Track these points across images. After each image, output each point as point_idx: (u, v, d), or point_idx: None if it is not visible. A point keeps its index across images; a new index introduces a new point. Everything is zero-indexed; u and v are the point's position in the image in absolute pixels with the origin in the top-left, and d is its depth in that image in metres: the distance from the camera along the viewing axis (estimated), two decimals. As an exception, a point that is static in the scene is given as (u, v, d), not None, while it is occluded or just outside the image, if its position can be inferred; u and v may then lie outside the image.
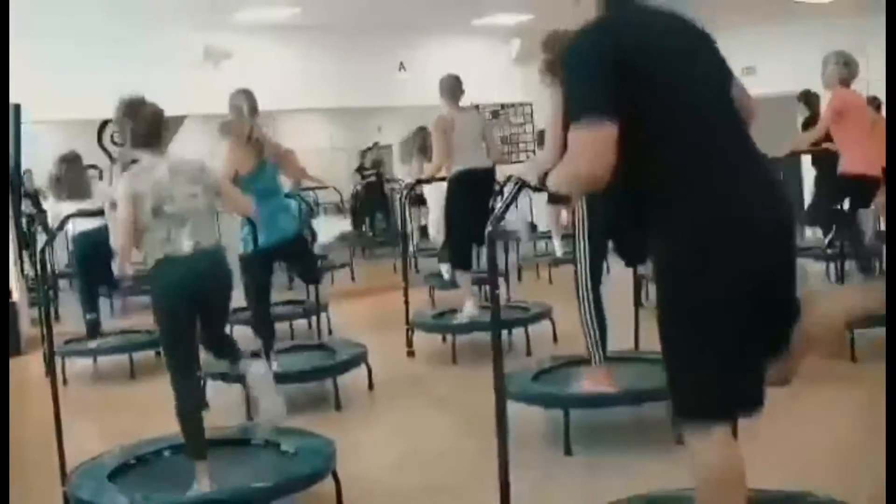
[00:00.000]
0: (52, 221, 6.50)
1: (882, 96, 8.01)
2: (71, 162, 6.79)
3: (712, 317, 2.27)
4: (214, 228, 3.75)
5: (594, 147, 2.20)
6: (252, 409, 4.49)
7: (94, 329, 6.95)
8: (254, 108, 5.30)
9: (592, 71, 2.24)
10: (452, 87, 6.40)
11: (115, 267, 4.01)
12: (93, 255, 6.72)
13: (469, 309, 6.47)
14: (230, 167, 5.14)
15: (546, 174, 2.49)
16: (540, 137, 9.54)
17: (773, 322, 2.40)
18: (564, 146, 2.37)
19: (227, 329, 4.01)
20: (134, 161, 3.75)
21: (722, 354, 2.28)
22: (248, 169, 5.17)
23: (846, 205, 6.13)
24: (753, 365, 2.34)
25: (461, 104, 6.44)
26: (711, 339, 2.28)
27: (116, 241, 3.65)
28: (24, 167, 11.46)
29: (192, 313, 3.59)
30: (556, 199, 7.92)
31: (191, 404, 3.60)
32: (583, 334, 4.37)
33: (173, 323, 3.58)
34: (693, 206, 2.27)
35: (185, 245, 3.53)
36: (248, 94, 5.33)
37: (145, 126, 3.60)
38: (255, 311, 5.41)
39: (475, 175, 6.26)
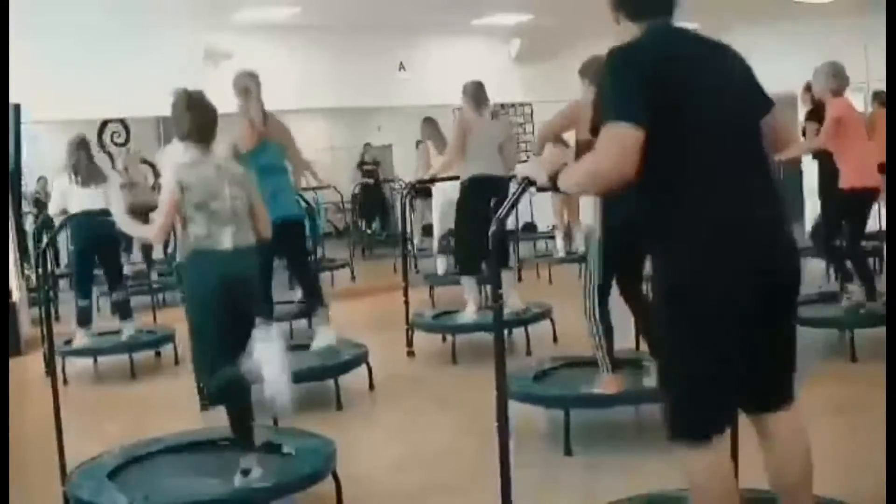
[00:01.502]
0: (67, 203, 6.44)
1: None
2: (83, 147, 6.72)
3: (689, 345, 2.38)
4: (252, 232, 3.77)
5: (620, 146, 2.29)
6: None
7: (85, 317, 6.85)
8: (258, 89, 5.36)
9: (629, 80, 2.36)
10: (476, 93, 6.38)
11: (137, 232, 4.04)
12: (90, 244, 6.73)
13: (470, 312, 6.46)
14: (232, 147, 5.18)
15: (557, 174, 2.55)
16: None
17: (756, 359, 2.46)
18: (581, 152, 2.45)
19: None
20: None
21: (699, 378, 2.39)
22: (249, 146, 5.21)
23: (848, 222, 6.10)
24: (729, 389, 2.43)
25: (483, 108, 6.42)
26: (688, 363, 2.39)
27: (152, 229, 3.78)
28: (38, 174, 11.53)
29: (223, 306, 3.60)
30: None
31: (220, 393, 3.63)
32: (591, 343, 4.40)
33: (204, 314, 3.62)
34: (687, 231, 2.37)
35: (225, 242, 3.58)
36: (252, 75, 5.41)
37: (204, 121, 3.67)
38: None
39: (488, 182, 6.16)
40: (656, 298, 2.52)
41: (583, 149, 3.79)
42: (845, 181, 5.83)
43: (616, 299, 4.51)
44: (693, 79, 2.39)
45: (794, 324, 2.57)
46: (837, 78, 5.88)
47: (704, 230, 2.35)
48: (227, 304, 3.58)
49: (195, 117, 3.67)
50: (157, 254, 10.47)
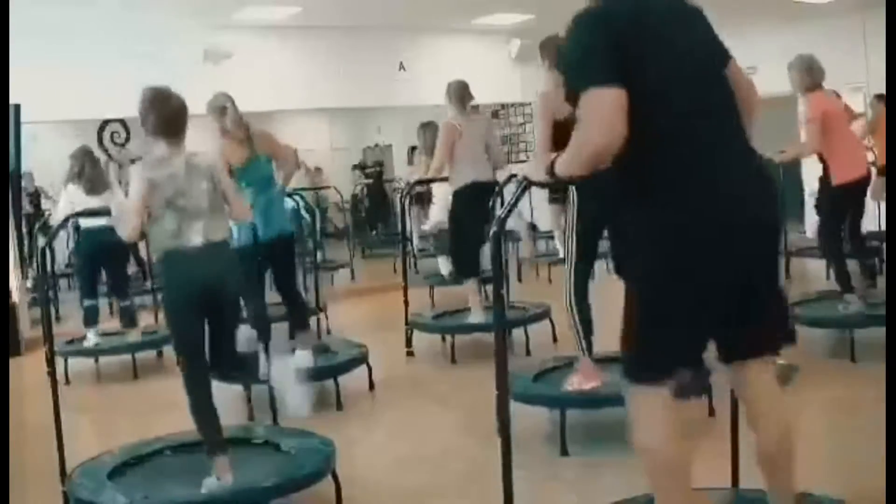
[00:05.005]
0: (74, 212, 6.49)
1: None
2: (88, 156, 6.80)
3: (663, 292, 2.34)
4: (225, 224, 3.76)
5: (604, 110, 2.23)
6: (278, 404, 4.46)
7: (92, 316, 6.87)
8: (234, 107, 5.32)
9: (596, 45, 2.32)
10: (461, 94, 6.31)
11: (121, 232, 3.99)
12: (97, 253, 6.74)
13: (476, 313, 6.46)
14: (223, 162, 5.16)
15: (553, 163, 2.48)
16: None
17: (730, 316, 2.42)
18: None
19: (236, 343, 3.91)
20: (133, 161, 3.77)
21: (662, 326, 2.35)
22: (239, 161, 5.18)
23: (846, 216, 6.11)
24: (691, 343, 2.41)
25: (468, 109, 6.38)
26: (658, 310, 2.36)
27: (124, 229, 3.66)
28: (24, 168, 11.51)
29: (201, 306, 3.58)
30: (557, 199, 7.84)
31: (202, 400, 3.59)
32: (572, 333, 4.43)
33: (183, 316, 3.58)
34: (667, 197, 2.32)
35: (195, 238, 3.55)
36: (226, 95, 5.37)
37: (168, 117, 3.63)
38: (249, 305, 5.39)
39: (480, 188, 6.15)
40: (633, 245, 2.46)
41: (561, 128, 3.72)
42: (841, 176, 5.74)
43: (601, 296, 4.54)
44: (657, 37, 2.36)
45: (775, 272, 2.54)
46: (813, 72, 5.69)
47: (678, 198, 2.31)
48: (199, 304, 3.56)
49: (161, 113, 3.62)
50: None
